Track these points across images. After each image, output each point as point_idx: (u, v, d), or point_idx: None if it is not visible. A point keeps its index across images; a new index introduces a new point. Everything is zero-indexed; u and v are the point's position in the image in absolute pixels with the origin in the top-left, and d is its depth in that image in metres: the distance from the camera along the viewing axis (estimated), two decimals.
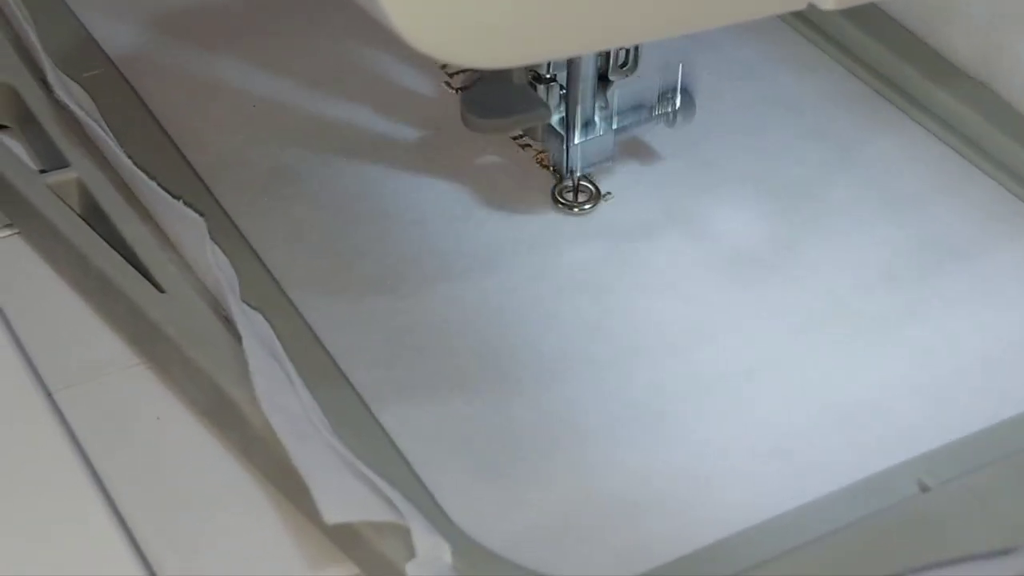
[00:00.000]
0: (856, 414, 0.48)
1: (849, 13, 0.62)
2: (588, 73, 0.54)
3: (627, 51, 0.55)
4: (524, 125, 0.57)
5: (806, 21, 0.65)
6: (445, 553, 0.42)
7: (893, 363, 0.50)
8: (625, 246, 0.55)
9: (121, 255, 0.51)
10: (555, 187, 0.56)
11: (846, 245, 0.55)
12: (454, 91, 0.61)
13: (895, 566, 0.42)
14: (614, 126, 0.56)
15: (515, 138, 0.58)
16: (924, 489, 0.45)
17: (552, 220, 0.56)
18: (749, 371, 0.50)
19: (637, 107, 0.57)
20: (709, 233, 0.55)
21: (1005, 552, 0.42)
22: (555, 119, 0.56)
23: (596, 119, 0.56)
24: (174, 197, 0.52)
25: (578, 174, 0.56)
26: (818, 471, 0.46)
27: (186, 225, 0.51)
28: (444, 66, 0.62)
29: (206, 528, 0.45)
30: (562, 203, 0.56)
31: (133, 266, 0.51)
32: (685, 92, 0.57)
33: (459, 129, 0.56)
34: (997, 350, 0.51)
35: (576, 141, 0.55)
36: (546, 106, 0.55)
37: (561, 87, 0.55)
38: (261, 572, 0.44)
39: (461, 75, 0.61)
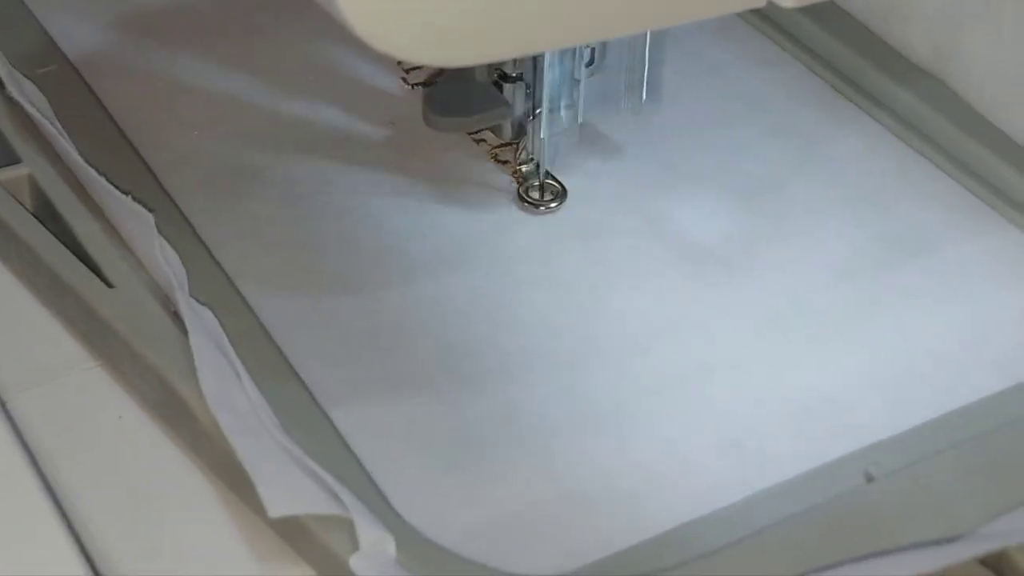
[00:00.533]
0: (808, 407, 0.49)
1: (808, 10, 0.62)
2: (554, 70, 0.54)
3: (593, 48, 0.55)
4: (486, 123, 0.57)
5: (765, 18, 0.65)
6: (389, 546, 0.42)
7: (847, 357, 0.50)
8: (588, 243, 0.55)
9: (72, 252, 0.51)
10: (521, 186, 0.56)
11: (804, 241, 0.55)
12: (411, 87, 0.61)
13: (839, 555, 0.42)
14: (579, 120, 0.56)
15: (471, 133, 0.58)
16: (870, 480, 0.45)
17: (517, 218, 0.56)
18: (704, 367, 0.50)
19: (603, 103, 0.57)
20: (671, 231, 0.55)
21: (949, 540, 0.42)
22: (520, 116, 0.56)
23: (562, 116, 0.56)
24: (123, 193, 0.52)
25: (544, 170, 0.56)
26: (769, 463, 0.47)
27: (135, 221, 0.51)
28: (401, 62, 0.62)
29: (156, 525, 0.45)
30: (528, 202, 0.56)
31: (84, 263, 0.50)
32: (651, 87, 0.56)
33: (420, 127, 0.56)
34: (948, 344, 0.51)
35: (542, 136, 0.55)
36: (508, 104, 0.55)
37: (527, 85, 0.55)
38: (209, 567, 0.44)
39: (418, 71, 0.61)
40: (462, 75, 0.56)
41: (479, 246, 0.54)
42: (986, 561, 0.42)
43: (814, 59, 0.63)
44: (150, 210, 0.51)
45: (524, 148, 0.57)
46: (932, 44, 0.61)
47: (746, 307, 0.52)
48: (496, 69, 0.55)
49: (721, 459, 0.47)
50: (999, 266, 0.54)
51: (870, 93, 0.61)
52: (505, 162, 0.58)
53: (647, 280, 0.53)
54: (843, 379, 0.50)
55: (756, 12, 0.64)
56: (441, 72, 0.61)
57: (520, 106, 0.56)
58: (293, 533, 0.43)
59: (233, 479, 0.45)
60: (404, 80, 0.61)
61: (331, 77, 0.61)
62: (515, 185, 0.57)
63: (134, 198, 0.52)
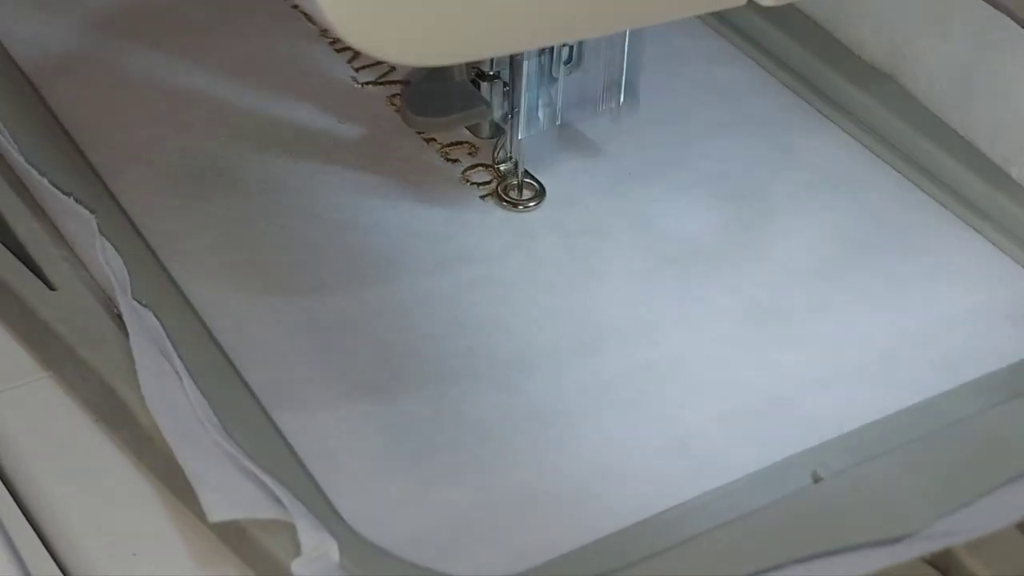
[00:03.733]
0: (756, 408, 0.48)
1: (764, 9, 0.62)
2: (532, 69, 0.54)
3: (571, 47, 0.55)
4: (465, 122, 0.56)
5: (720, 16, 0.65)
6: (332, 550, 0.42)
7: (796, 357, 0.50)
8: (538, 244, 0.54)
9: (14, 253, 0.50)
10: (499, 186, 0.56)
11: (757, 242, 0.55)
12: (360, 86, 0.61)
13: (786, 556, 0.42)
14: (558, 122, 0.56)
15: (419, 132, 0.58)
16: (817, 480, 0.45)
17: (490, 223, 0.55)
18: (652, 367, 0.50)
19: (581, 102, 0.56)
20: (631, 233, 0.55)
21: (895, 540, 0.42)
22: (498, 116, 0.56)
23: (540, 115, 0.55)
24: (65, 194, 0.51)
25: (521, 171, 0.56)
26: (716, 464, 0.46)
27: (77, 222, 0.50)
28: (351, 60, 0.61)
29: (100, 530, 0.44)
30: (507, 201, 0.56)
31: (26, 264, 0.50)
32: (629, 87, 0.56)
33: (380, 127, 0.56)
34: (897, 344, 0.51)
35: (520, 137, 0.55)
36: (487, 103, 0.55)
37: (505, 84, 0.55)
38: (150, 572, 0.43)
39: (368, 70, 0.61)
40: (440, 74, 0.55)
41: (421, 244, 0.54)
42: (933, 561, 0.42)
43: (766, 56, 0.63)
44: (92, 211, 0.51)
45: (502, 147, 0.56)
46: (884, 43, 0.61)
47: (697, 307, 0.52)
48: (473, 68, 0.55)
49: (668, 460, 0.47)
50: (948, 265, 0.54)
51: (823, 91, 0.61)
52: (455, 160, 0.57)
53: (601, 281, 0.53)
54: (792, 379, 0.49)
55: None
56: (392, 70, 0.61)
57: (498, 105, 0.55)
58: (235, 538, 0.43)
59: (176, 483, 0.44)
60: (354, 79, 0.61)
61: (281, 75, 0.61)
62: (493, 184, 0.56)
63: (76, 199, 0.51)
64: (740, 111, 0.61)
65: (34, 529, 0.44)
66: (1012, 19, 0.57)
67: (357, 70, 0.61)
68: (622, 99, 0.56)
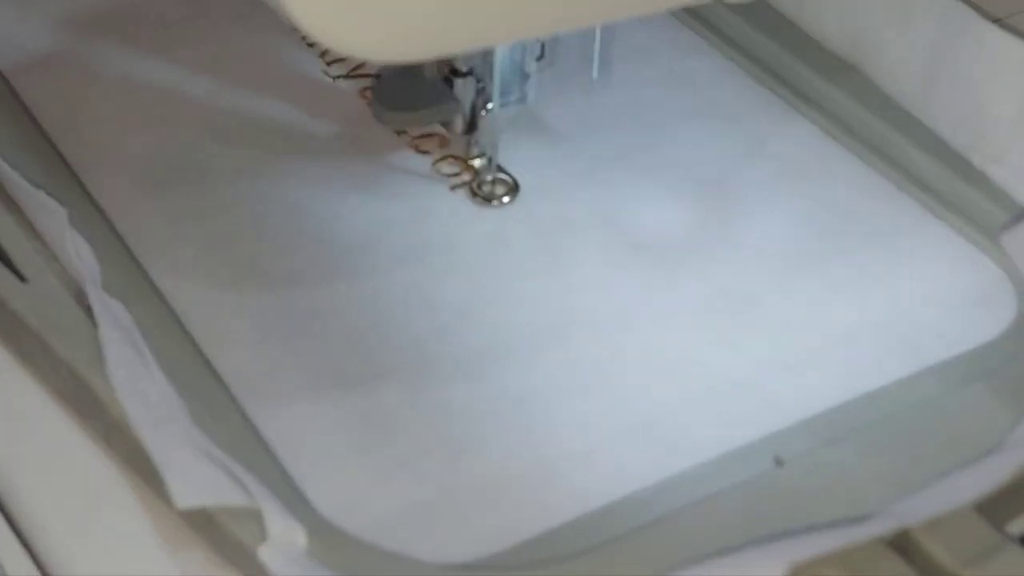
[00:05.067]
0: (721, 391, 0.49)
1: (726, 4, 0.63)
2: (504, 65, 0.55)
3: (543, 42, 0.55)
4: (435, 118, 0.57)
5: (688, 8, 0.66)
6: (299, 536, 0.42)
7: (759, 341, 0.51)
8: (508, 233, 0.55)
9: None
10: (472, 181, 0.57)
11: (723, 229, 0.56)
12: (332, 80, 0.61)
13: (748, 536, 0.42)
14: (530, 114, 0.56)
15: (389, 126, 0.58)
16: (779, 463, 0.45)
17: (460, 214, 0.56)
18: (618, 352, 0.50)
19: (553, 95, 0.57)
20: (609, 223, 0.56)
21: (855, 521, 0.42)
22: (470, 111, 0.56)
23: (513, 111, 0.56)
24: (36, 187, 0.52)
25: (495, 165, 0.56)
26: (681, 446, 0.47)
27: (47, 215, 0.51)
28: (323, 54, 0.62)
29: (69, 518, 0.44)
30: (480, 196, 0.56)
31: None
32: (604, 60, 0.57)
33: (352, 120, 0.56)
34: (860, 328, 0.51)
35: (492, 131, 0.55)
36: (457, 99, 0.55)
37: (477, 80, 0.55)
38: (122, 560, 0.43)
39: (340, 63, 0.61)
40: (411, 70, 0.56)
41: (393, 230, 0.54)
42: (892, 541, 0.42)
43: (731, 47, 0.64)
44: (62, 204, 0.51)
45: (475, 143, 0.57)
46: (847, 33, 0.61)
47: (667, 295, 0.53)
48: (446, 64, 0.55)
49: (634, 443, 0.47)
50: (912, 251, 0.55)
51: (787, 81, 0.62)
52: (427, 152, 0.58)
53: (571, 270, 0.54)
54: (759, 363, 0.50)
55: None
56: (362, 64, 0.61)
57: (471, 101, 0.56)
58: (203, 524, 0.43)
59: (145, 471, 0.44)
60: (326, 73, 0.61)
61: (256, 70, 0.61)
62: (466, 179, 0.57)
63: (47, 192, 0.52)
64: (708, 102, 0.61)
65: (5, 517, 0.45)
66: (973, 9, 0.58)
67: (329, 64, 0.62)
68: (595, 73, 0.57)
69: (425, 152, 0.58)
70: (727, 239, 0.55)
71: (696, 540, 0.43)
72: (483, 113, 0.55)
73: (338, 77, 0.61)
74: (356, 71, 0.61)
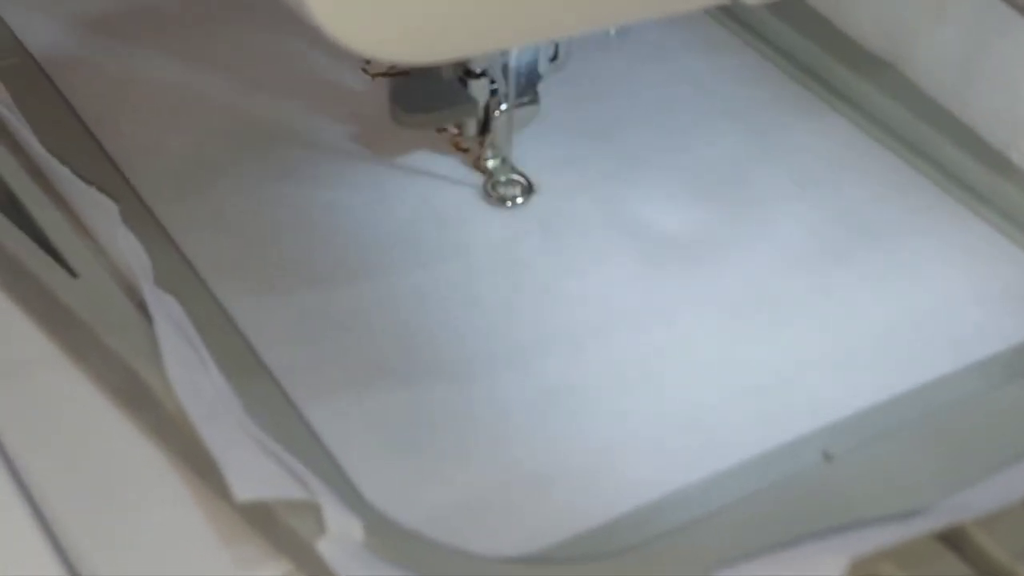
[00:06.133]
0: (766, 388, 0.49)
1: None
2: (518, 66, 0.55)
3: (556, 44, 0.55)
4: (451, 119, 0.57)
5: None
6: (356, 529, 0.42)
7: (804, 339, 0.51)
8: (552, 235, 0.55)
9: (36, 242, 0.51)
10: (487, 181, 0.57)
11: (761, 227, 0.56)
12: (372, 77, 0.61)
13: (798, 531, 0.43)
14: (544, 115, 0.56)
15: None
16: (828, 458, 0.46)
17: (484, 212, 0.56)
18: (663, 350, 0.51)
19: (567, 97, 0.57)
20: (634, 221, 0.56)
21: (906, 516, 0.43)
22: (484, 113, 0.56)
23: (527, 111, 0.56)
24: (87, 184, 0.52)
25: (509, 165, 0.57)
26: (727, 443, 0.47)
27: (99, 211, 0.51)
28: None
29: (123, 514, 0.45)
30: (495, 197, 0.56)
31: (47, 252, 0.51)
32: (607, 73, 0.57)
33: (383, 118, 0.57)
34: (903, 325, 0.52)
35: (507, 132, 0.56)
36: (473, 100, 0.56)
37: (492, 81, 0.55)
38: (177, 554, 0.44)
39: (376, 62, 0.62)
40: (428, 71, 0.56)
41: (442, 238, 0.55)
42: (944, 537, 0.42)
43: (766, 45, 0.64)
44: (114, 201, 0.52)
45: (490, 144, 0.57)
46: (882, 30, 0.61)
47: (704, 292, 0.53)
48: (460, 65, 0.56)
49: (680, 440, 0.47)
50: (951, 248, 0.55)
51: (823, 79, 0.62)
52: (466, 150, 0.58)
53: (608, 268, 0.54)
54: (801, 360, 0.50)
55: None
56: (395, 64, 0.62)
57: (485, 102, 0.56)
58: (261, 519, 0.43)
59: (200, 466, 0.45)
60: (365, 71, 0.62)
61: (293, 70, 0.62)
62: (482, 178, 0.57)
63: (98, 189, 0.52)
64: (740, 100, 0.62)
65: (56, 515, 0.45)
66: (1009, 4, 0.58)
67: (367, 61, 0.62)
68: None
69: (465, 150, 0.58)
70: (763, 236, 0.55)
71: (748, 535, 0.43)
72: (497, 114, 0.56)
73: (377, 75, 0.61)
74: (393, 68, 0.62)
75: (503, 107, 0.55)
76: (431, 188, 0.57)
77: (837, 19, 0.63)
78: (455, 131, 0.58)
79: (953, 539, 0.42)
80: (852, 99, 0.61)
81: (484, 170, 0.57)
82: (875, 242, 0.55)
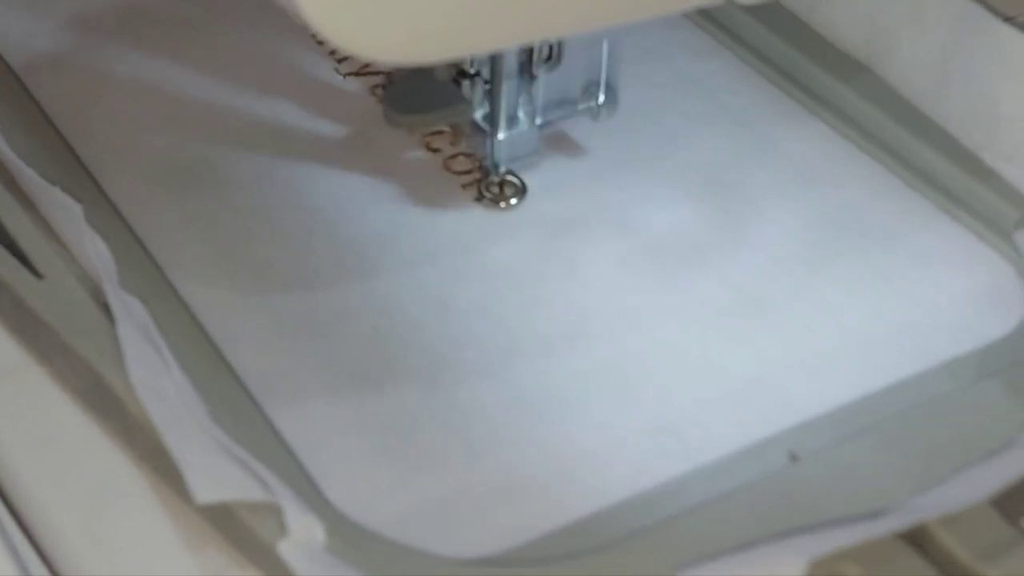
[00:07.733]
0: (736, 389, 0.49)
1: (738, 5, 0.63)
2: (512, 68, 0.55)
3: (551, 45, 0.55)
4: (445, 121, 0.57)
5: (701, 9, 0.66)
6: (318, 531, 0.42)
7: (774, 339, 0.51)
8: (527, 236, 0.55)
9: (1, 243, 0.51)
10: (480, 183, 0.57)
11: (738, 229, 0.56)
12: (343, 77, 0.61)
13: (764, 532, 0.42)
14: (538, 121, 0.56)
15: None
16: (794, 459, 0.46)
17: (460, 215, 0.56)
18: (635, 353, 0.50)
19: (561, 101, 0.57)
20: (620, 224, 0.56)
21: (871, 516, 0.42)
22: (479, 114, 0.56)
23: (520, 114, 0.56)
24: (51, 184, 0.52)
25: (502, 169, 0.56)
26: (697, 445, 0.47)
27: (64, 212, 0.51)
28: (332, 52, 0.62)
29: (89, 517, 0.44)
30: (488, 198, 0.56)
31: (13, 253, 0.50)
32: (609, 87, 0.57)
33: (360, 121, 0.57)
34: (874, 325, 0.52)
35: (500, 136, 0.56)
36: (467, 102, 0.56)
37: (485, 82, 0.55)
38: (141, 557, 0.44)
39: (350, 60, 0.62)
40: (421, 72, 0.56)
41: (416, 242, 0.54)
42: (907, 536, 0.42)
43: (744, 48, 0.64)
44: (79, 202, 0.51)
45: (483, 146, 0.57)
46: (861, 33, 0.61)
47: (679, 295, 0.53)
48: (454, 66, 0.55)
49: (650, 443, 0.47)
50: (925, 252, 0.55)
51: (801, 82, 0.62)
52: (437, 150, 0.58)
53: (585, 272, 0.54)
54: (770, 363, 0.50)
55: None
56: (368, 63, 0.62)
57: (478, 104, 0.56)
58: (223, 520, 0.43)
59: (164, 469, 0.45)
60: (336, 70, 0.61)
61: (269, 70, 0.61)
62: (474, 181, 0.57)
63: (63, 189, 0.52)
64: (719, 103, 0.62)
65: (18, 517, 0.45)
66: (986, 8, 0.58)
67: (339, 61, 0.62)
68: (601, 98, 0.57)
69: (435, 150, 0.58)
70: (741, 240, 0.55)
71: (713, 536, 0.43)
72: (491, 115, 0.55)
73: (348, 74, 0.61)
74: (366, 68, 0.62)
75: (497, 108, 0.55)
76: (406, 192, 0.56)
77: (815, 22, 0.63)
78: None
79: (916, 538, 0.42)
80: (830, 102, 0.61)
81: (478, 168, 0.57)
82: (850, 245, 0.55)
